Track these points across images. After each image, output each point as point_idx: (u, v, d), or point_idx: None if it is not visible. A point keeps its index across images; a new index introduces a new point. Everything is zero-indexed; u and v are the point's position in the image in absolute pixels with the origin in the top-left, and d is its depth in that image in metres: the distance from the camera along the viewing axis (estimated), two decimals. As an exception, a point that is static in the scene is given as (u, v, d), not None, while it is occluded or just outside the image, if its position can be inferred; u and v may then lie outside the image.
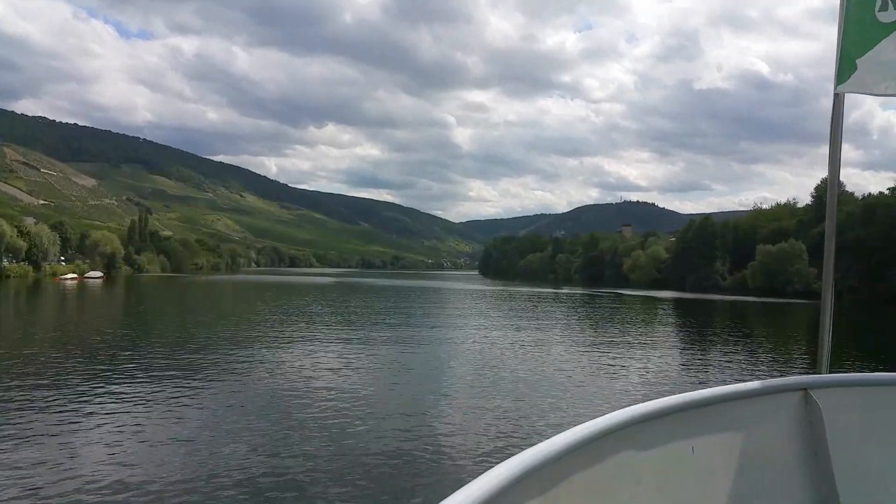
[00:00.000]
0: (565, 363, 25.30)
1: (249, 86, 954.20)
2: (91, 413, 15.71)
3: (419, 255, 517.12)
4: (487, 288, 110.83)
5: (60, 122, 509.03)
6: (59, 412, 15.54)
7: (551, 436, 1.74)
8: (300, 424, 15.02)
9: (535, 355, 27.51)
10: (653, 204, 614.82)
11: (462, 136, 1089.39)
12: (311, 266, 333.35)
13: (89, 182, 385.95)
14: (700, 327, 48.52)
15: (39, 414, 15.41)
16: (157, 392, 18.26)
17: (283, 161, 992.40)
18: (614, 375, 22.90)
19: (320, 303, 64.72)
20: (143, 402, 17.08)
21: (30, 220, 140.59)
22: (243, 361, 24.56)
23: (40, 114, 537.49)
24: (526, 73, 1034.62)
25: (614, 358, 27.02)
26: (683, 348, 34.30)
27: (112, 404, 16.68)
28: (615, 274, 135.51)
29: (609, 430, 1.87)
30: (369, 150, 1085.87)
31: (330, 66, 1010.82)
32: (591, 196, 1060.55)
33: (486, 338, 34.16)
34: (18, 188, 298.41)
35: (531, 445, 1.60)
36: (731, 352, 31.67)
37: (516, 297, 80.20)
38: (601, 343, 33.05)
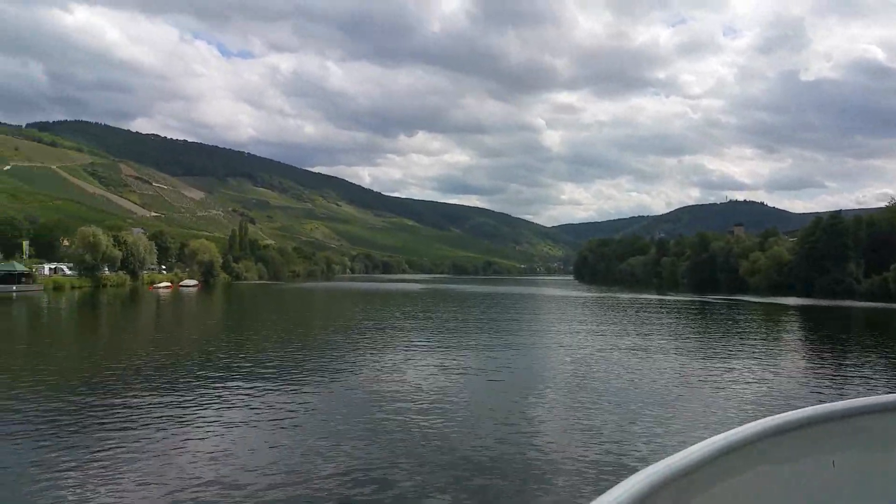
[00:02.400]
0: (682, 375, 23.69)
1: (343, 99, 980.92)
2: (191, 416, 16.39)
3: (511, 259, 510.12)
4: (585, 294, 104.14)
5: (171, 139, 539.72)
6: (159, 417, 16.22)
7: (679, 449, 1.69)
8: (397, 430, 15.21)
9: (646, 366, 25.70)
10: (761, 203, 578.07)
11: (552, 139, 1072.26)
12: (403, 272, 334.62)
13: (197, 195, 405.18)
14: (835, 337, 42.39)
15: (140, 419, 16.00)
16: (255, 396, 18.94)
17: (375, 170, 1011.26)
18: (740, 388, 21.19)
19: (413, 309, 64.41)
20: (242, 406, 17.74)
21: (138, 231, 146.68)
22: (339, 367, 24.99)
23: (153, 132, 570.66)
24: (617, 72, 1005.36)
25: (740, 370, 25.08)
26: (818, 359, 30.68)
27: (211, 408, 17.30)
28: (730, 278, 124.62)
29: (741, 444, 1.77)
30: (459, 157, 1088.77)
31: (419, 75, 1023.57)
32: (692, 196, 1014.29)
33: (591, 348, 31.96)
34: (132, 201, 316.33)
35: (657, 460, 1.56)
36: (871, 363, 27.88)
37: (619, 305, 73.69)
38: (724, 354, 30.30)
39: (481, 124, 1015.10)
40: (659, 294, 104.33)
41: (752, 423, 1.96)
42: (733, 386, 21.61)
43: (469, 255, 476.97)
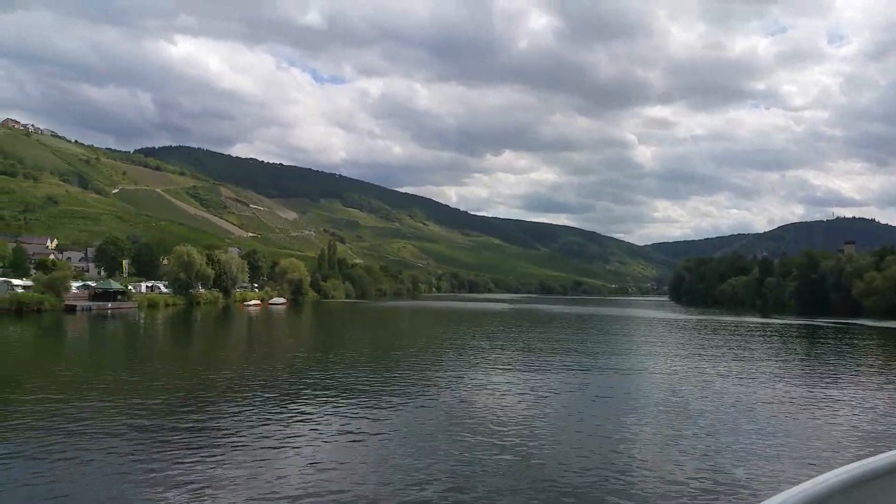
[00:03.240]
0: (792, 404, 22.57)
1: (430, 120, 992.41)
2: (280, 432, 17.07)
3: (601, 279, 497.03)
4: (682, 316, 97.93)
5: (268, 163, 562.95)
6: (250, 431, 17.02)
7: (805, 479, 1.57)
8: (484, 451, 15.36)
9: (751, 394, 24.53)
10: (872, 220, 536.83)
11: (644, 155, 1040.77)
12: (489, 291, 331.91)
13: (291, 215, 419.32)
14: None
15: (232, 433, 16.78)
16: (343, 413, 19.58)
17: (462, 189, 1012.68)
18: (856, 419, 20.03)
19: (499, 328, 63.22)
20: (330, 422, 18.32)
21: (234, 250, 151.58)
22: (426, 386, 25.30)
23: (251, 156, 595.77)
24: (713, 84, 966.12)
25: (856, 400, 23.67)
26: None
27: (299, 424, 17.97)
28: (842, 300, 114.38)
29: (880, 473, 1.61)
30: (546, 175, 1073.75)
31: (506, 94, 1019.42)
32: (796, 213, 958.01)
33: (689, 373, 30.55)
34: (231, 222, 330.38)
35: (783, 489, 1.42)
36: None
37: (720, 328, 68.11)
38: (838, 382, 28.70)
39: (569, 141, 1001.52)
40: (763, 317, 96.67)
41: (891, 452, 1.79)
42: (849, 417, 20.49)
43: (557, 274, 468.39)
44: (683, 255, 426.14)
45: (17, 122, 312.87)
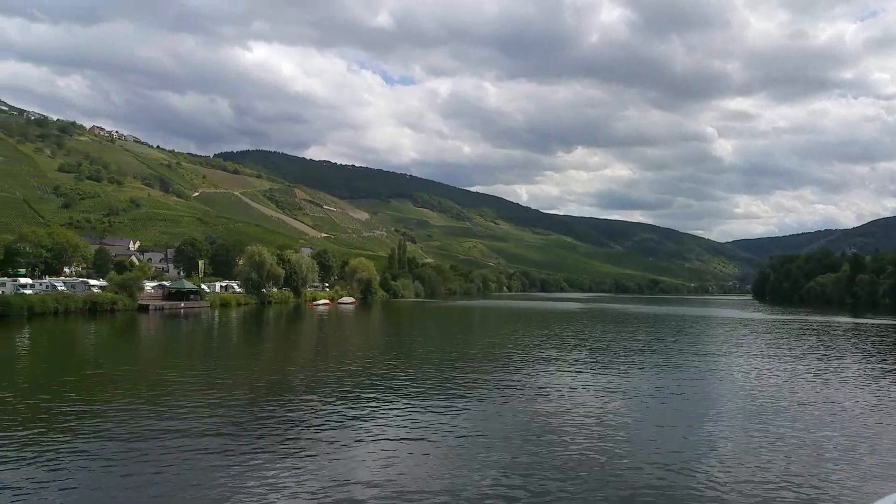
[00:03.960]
0: (890, 413, 21.16)
1: (500, 118, 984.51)
2: (352, 429, 17.65)
3: (679, 278, 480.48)
4: (767, 316, 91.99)
5: (340, 165, 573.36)
6: (325, 428, 17.70)
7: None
8: (556, 452, 15.43)
9: (843, 399, 23.16)
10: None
11: (724, 149, 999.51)
12: (561, 290, 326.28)
13: (363, 216, 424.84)
14: None
15: (307, 430, 17.54)
16: (414, 411, 19.97)
17: (533, 188, 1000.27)
18: None
19: (572, 328, 62.03)
20: (401, 420, 18.78)
21: (307, 251, 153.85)
22: (497, 385, 25.30)
23: (324, 158, 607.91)
24: (796, 74, 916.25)
25: None
26: None
27: (372, 422, 18.51)
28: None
29: None
30: (619, 171, 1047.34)
31: (577, 89, 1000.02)
32: (888, 207, 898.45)
33: (775, 376, 29.27)
34: (305, 223, 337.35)
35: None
36: None
37: (809, 328, 63.08)
38: None
39: (644, 136, 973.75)
40: (855, 316, 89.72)
41: None
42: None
43: (632, 272, 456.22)
44: (766, 253, 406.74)
45: (103, 129, 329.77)
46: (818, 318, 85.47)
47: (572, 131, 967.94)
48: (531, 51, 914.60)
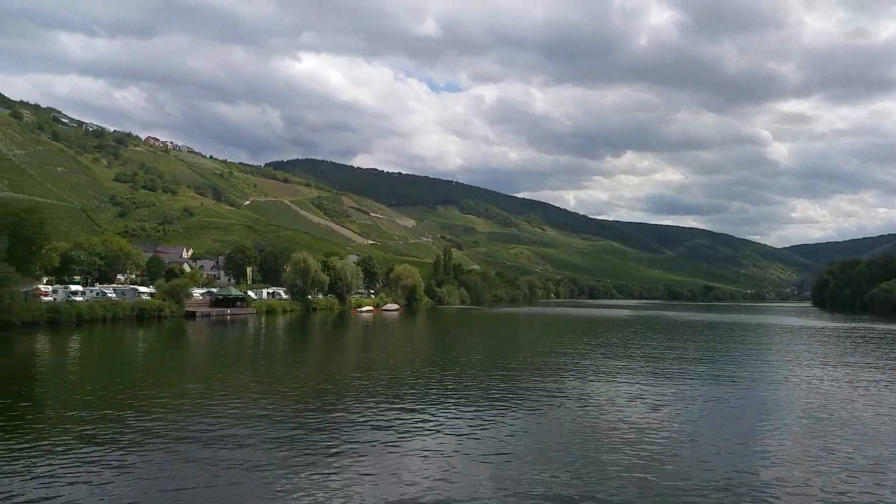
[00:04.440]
0: None
1: (547, 123, 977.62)
2: (401, 435, 17.89)
3: (734, 284, 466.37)
4: (828, 324, 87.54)
5: (387, 172, 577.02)
6: (375, 433, 17.99)
7: None
8: (607, 461, 15.35)
9: None
10: None
11: (780, 152, 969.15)
12: (611, 297, 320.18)
13: (409, 223, 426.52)
14: None
15: (357, 435, 17.90)
16: (462, 419, 20.18)
17: (581, 193, 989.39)
18: None
19: (621, 336, 60.58)
20: (448, 428, 18.82)
21: (353, 258, 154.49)
22: (545, 393, 25.19)
23: (372, 166, 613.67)
24: (855, 74, 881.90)
25: None
26: None
27: (420, 429, 18.75)
28: None
29: None
30: (670, 176, 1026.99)
31: (625, 93, 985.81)
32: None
33: (840, 387, 28.15)
34: (352, 230, 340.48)
35: None
36: None
37: (873, 337, 59.37)
38: None
39: (695, 139, 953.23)
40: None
41: None
42: None
43: (684, 278, 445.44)
44: (825, 258, 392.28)
45: (158, 140, 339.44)
46: (883, 325, 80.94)
47: (621, 135, 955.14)
48: (578, 55, 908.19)
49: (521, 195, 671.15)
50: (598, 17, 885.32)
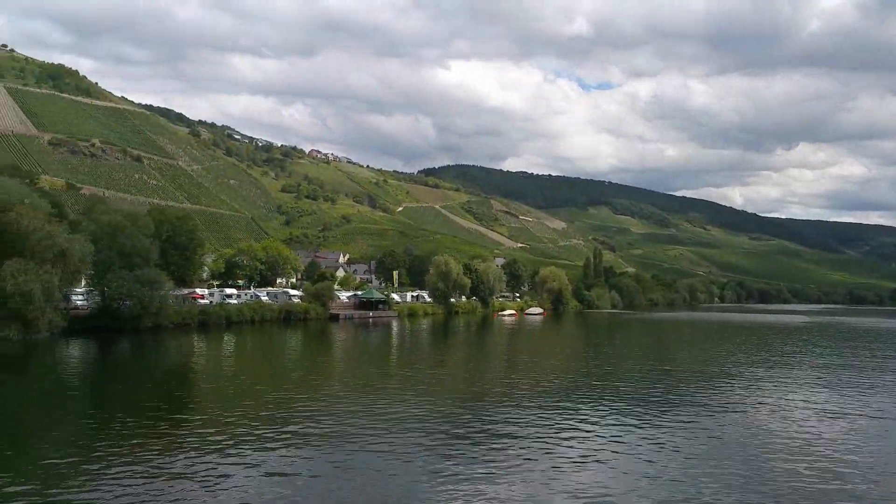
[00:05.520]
0: None
1: (708, 117, 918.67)
2: (567, 438, 18.26)
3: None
4: None
5: (536, 175, 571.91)
6: (532, 436, 18.27)
7: None
8: (777, 476, 14.81)
9: None
10: None
11: None
12: (784, 301, 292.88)
13: (559, 225, 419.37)
14: None
15: (514, 437, 18.22)
16: (620, 423, 20.19)
17: (747, 190, 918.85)
18: None
19: (794, 345, 56.27)
20: (613, 431, 18.91)
21: (500, 261, 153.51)
22: (704, 402, 24.38)
23: (521, 169, 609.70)
24: None
25: None
26: None
27: (578, 434, 18.66)
28: None
29: None
30: (851, 168, 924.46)
31: (796, 81, 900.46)
32: None
33: None
34: (501, 234, 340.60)
35: None
36: None
37: None
38: None
39: (880, 128, 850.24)
40: None
41: None
42: None
43: (869, 281, 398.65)
44: None
45: (320, 152, 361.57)
46: None
47: (792, 127, 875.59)
48: (743, 44, 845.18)
49: (680, 193, 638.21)
50: (764, 2, 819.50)
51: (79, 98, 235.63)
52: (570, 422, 20.75)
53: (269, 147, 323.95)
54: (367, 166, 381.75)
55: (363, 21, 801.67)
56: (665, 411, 22.40)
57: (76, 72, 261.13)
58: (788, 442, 18.23)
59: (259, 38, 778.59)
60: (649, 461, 16.04)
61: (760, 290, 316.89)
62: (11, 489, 13.58)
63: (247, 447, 17.33)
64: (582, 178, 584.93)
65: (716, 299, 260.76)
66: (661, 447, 17.35)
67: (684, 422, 20.89)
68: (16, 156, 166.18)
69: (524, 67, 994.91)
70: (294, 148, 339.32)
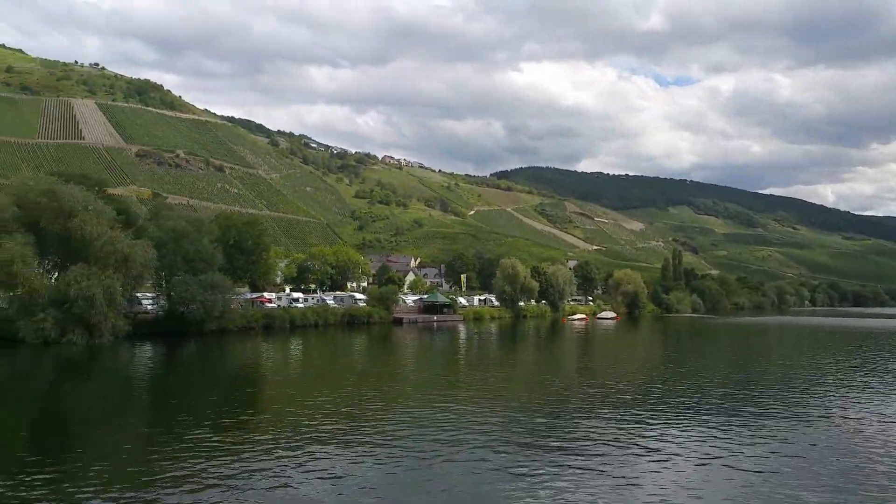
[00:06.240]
0: None
1: (794, 111, 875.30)
2: (637, 446, 17.97)
3: None
4: None
5: (612, 175, 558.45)
6: (611, 442, 18.27)
7: None
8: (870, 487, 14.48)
9: None
10: None
11: None
12: (881, 304, 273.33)
13: (637, 226, 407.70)
14: None
15: (590, 444, 18.18)
16: (703, 430, 19.98)
17: (840, 187, 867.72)
18: None
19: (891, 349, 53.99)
20: (692, 444, 18.41)
21: (572, 263, 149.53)
22: (790, 411, 23.87)
23: (596, 170, 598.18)
24: None
25: None
26: None
27: (658, 442, 18.45)
28: None
29: None
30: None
31: (891, 71, 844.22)
32: None
33: None
34: (576, 236, 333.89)
35: None
36: None
37: None
38: None
39: None
40: None
41: None
42: None
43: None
44: None
45: (393, 158, 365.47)
46: None
47: (889, 118, 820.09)
48: (830, 33, 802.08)
49: (766, 191, 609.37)
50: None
51: (164, 111, 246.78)
52: (654, 429, 20.23)
53: (343, 154, 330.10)
54: (439, 171, 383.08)
55: (434, 27, 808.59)
56: (750, 423, 21.60)
57: (161, 86, 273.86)
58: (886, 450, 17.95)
59: (333, 49, 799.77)
60: (730, 474, 15.52)
61: (854, 292, 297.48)
62: (74, 488, 13.89)
63: (316, 449, 17.42)
64: (661, 177, 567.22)
65: (806, 303, 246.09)
66: (748, 459, 16.79)
67: (776, 429, 20.49)
68: (105, 167, 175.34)
69: (597, 66, 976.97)
70: (367, 154, 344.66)
